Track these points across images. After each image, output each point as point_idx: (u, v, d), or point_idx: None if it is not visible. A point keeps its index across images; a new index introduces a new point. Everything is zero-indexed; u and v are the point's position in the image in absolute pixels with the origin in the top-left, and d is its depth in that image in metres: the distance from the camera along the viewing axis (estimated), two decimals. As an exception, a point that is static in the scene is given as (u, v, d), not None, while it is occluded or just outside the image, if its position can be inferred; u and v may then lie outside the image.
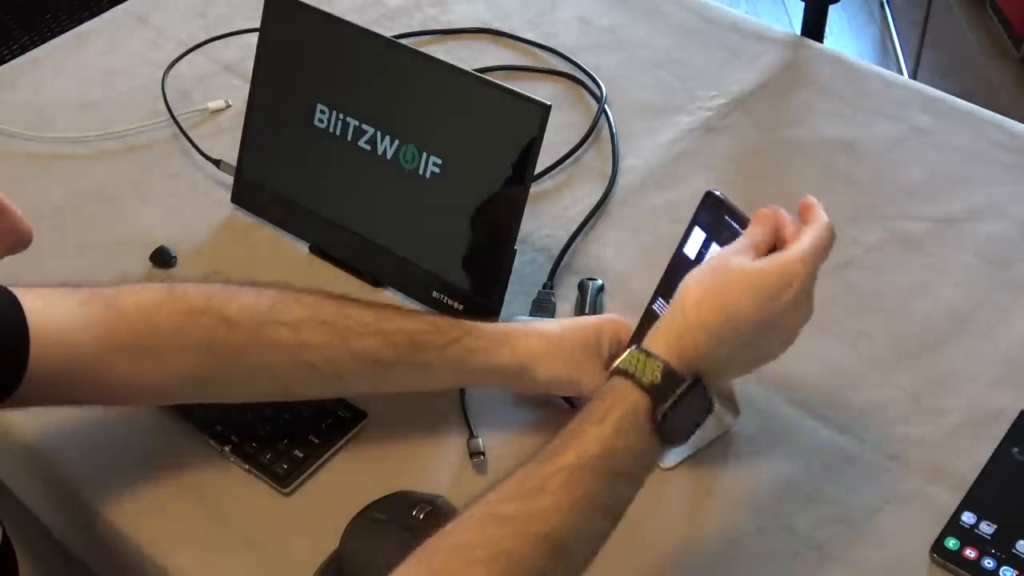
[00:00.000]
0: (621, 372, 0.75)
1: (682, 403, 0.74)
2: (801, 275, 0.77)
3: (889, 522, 0.91)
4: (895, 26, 2.80)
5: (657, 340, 0.76)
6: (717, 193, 0.87)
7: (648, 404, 0.74)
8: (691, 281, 0.78)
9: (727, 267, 0.77)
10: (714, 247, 0.87)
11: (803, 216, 0.82)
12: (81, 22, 1.48)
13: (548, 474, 0.72)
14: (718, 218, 0.86)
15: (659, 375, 0.74)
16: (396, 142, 1.08)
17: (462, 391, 1.01)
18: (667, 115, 1.29)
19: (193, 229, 1.19)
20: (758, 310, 0.76)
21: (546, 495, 0.72)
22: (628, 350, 0.77)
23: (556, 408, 1.00)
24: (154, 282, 0.92)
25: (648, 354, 0.75)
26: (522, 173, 1.02)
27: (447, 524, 0.73)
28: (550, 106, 1.00)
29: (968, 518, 0.90)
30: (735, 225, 0.85)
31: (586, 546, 0.73)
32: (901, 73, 2.53)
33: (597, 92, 1.31)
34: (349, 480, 0.96)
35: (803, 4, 1.45)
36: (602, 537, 0.74)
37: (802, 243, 0.78)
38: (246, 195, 1.20)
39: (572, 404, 0.99)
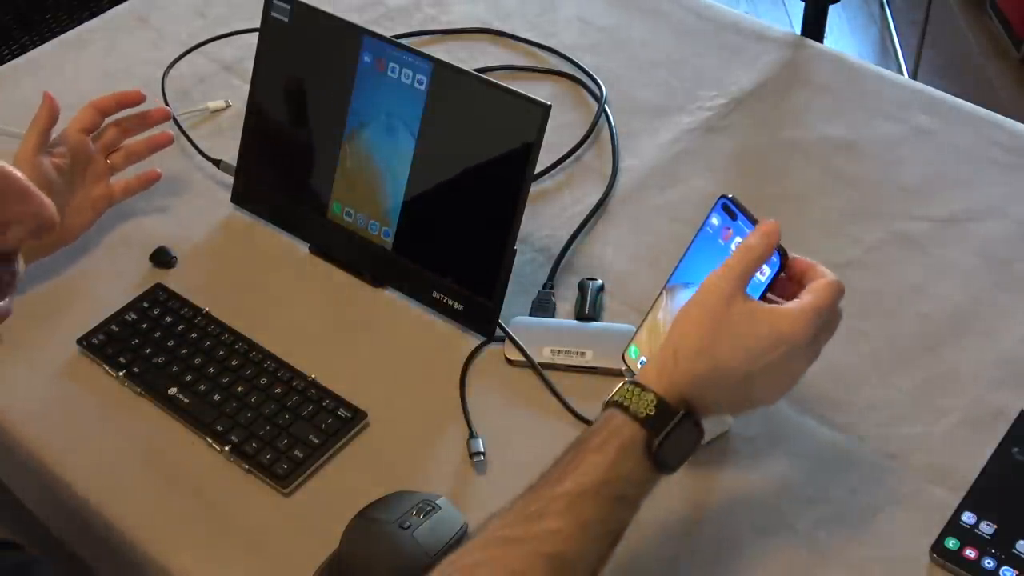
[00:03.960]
0: (616, 404, 0.79)
1: (674, 434, 0.78)
2: (795, 337, 0.80)
3: (889, 522, 0.91)
4: (895, 26, 2.80)
5: (649, 375, 0.80)
6: (730, 197, 0.87)
7: (643, 436, 0.78)
8: (684, 322, 0.81)
9: (721, 311, 0.80)
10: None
11: (805, 276, 0.83)
12: (81, 22, 1.48)
13: (549, 499, 0.76)
14: (731, 221, 0.86)
15: (653, 408, 0.78)
16: (396, 142, 1.08)
17: (462, 391, 1.02)
18: (667, 115, 1.29)
19: (193, 229, 1.19)
20: (747, 363, 0.79)
21: (550, 518, 0.75)
22: (622, 383, 0.80)
23: (555, 409, 1.00)
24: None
25: (642, 388, 0.79)
26: (522, 173, 1.02)
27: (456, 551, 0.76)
28: (550, 106, 1.00)
29: (968, 518, 0.90)
30: (747, 230, 0.85)
31: (589, 566, 0.77)
32: (901, 73, 2.53)
33: (597, 92, 1.31)
34: (349, 480, 0.96)
35: (803, 4, 1.44)
36: (602, 559, 0.78)
37: (804, 306, 0.80)
38: (246, 195, 1.20)
39: (578, 416, 0.99)
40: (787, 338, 0.79)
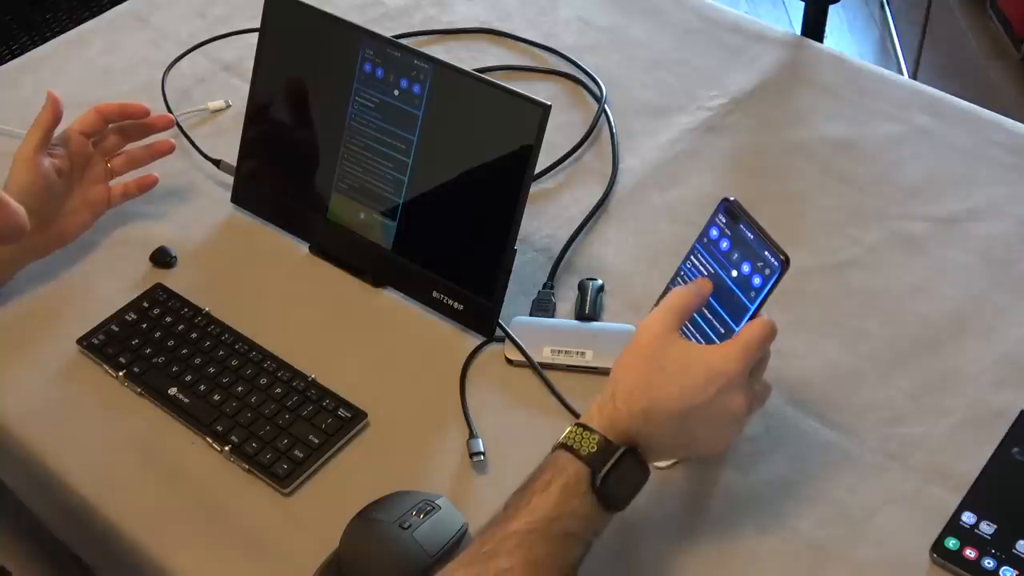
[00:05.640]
0: (562, 446, 0.82)
1: (618, 470, 0.81)
2: (728, 373, 0.82)
3: (889, 522, 0.91)
4: (895, 26, 2.80)
5: (593, 417, 0.83)
6: (732, 200, 0.87)
7: (587, 472, 0.80)
8: (623, 365, 0.85)
9: (655, 353, 0.83)
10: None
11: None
12: (81, 22, 1.48)
13: (501, 538, 0.79)
14: (733, 225, 0.86)
15: (596, 446, 0.81)
16: (396, 142, 1.08)
17: (462, 391, 1.02)
18: (667, 115, 1.29)
19: (193, 229, 1.19)
20: (682, 400, 0.82)
21: (501, 557, 0.77)
22: (570, 427, 0.83)
23: (555, 409, 1.00)
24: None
25: (586, 428, 0.82)
26: (522, 173, 1.02)
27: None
28: (550, 106, 1.00)
29: (968, 518, 0.90)
30: (749, 235, 0.85)
31: None
32: (901, 73, 2.53)
33: (597, 92, 1.31)
34: (349, 480, 0.96)
35: (803, 4, 1.44)
36: None
37: (735, 343, 0.84)
38: (246, 195, 1.20)
39: (577, 415, 0.99)
40: (720, 373, 0.82)
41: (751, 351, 0.83)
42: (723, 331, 0.86)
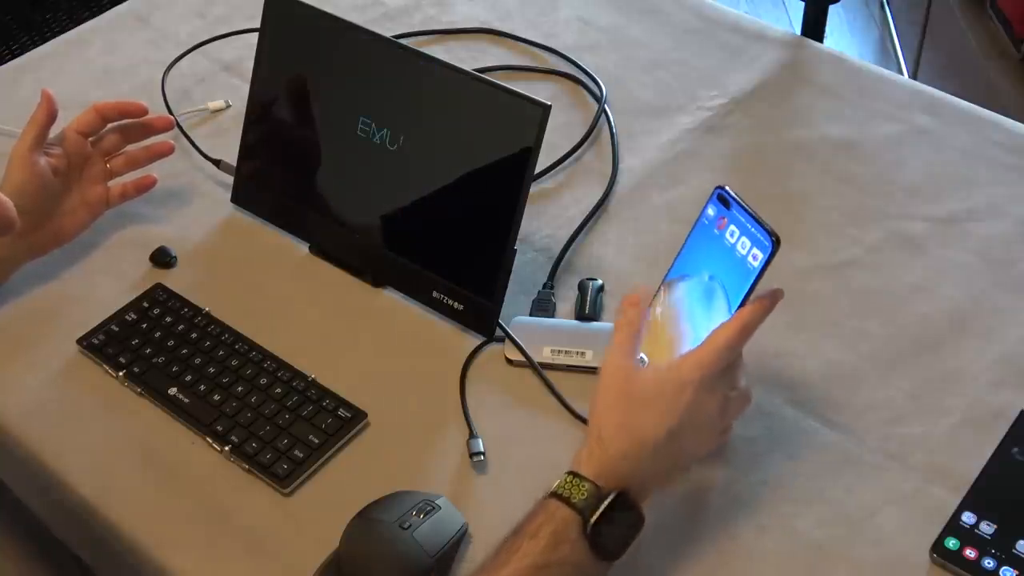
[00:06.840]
0: (554, 494, 0.82)
1: (609, 515, 0.81)
2: (694, 379, 0.83)
3: (889, 522, 0.91)
4: (895, 27, 2.80)
5: (582, 464, 0.83)
6: (725, 188, 0.87)
7: (578, 519, 0.80)
8: (602, 408, 0.85)
9: (626, 388, 0.84)
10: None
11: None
12: (81, 22, 1.48)
13: None
14: (726, 211, 0.87)
15: (586, 493, 0.81)
16: (396, 142, 1.08)
17: (462, 391, 1.02)
18: (667, 115, 1.29)
19: (193, 229, 1.19)
20: (662, 422, 0.83)
21: None
22: (562, 477, 0.82)
23: (555, 409, 1.00)
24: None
25: (577, 476, 0.82)
26: (522, 173, 1.02)
27: None
28: (550, 106, 1.00)
29: (968, 518, 0.90)
30: (742, 218, 0.85)
31: None
32: (901, 73, 2.52)
33: (597, 92, 1.31)
34: (349, 480, 0.96)
35: (803, 4, 1.44)
36: None
37: (700, 348, 0.84)
38: (246, 195, 1.20)
39: (578, 416, 0.99)
40: (688, 382, 0.83)
41: (717, 354, 0.83)
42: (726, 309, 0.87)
